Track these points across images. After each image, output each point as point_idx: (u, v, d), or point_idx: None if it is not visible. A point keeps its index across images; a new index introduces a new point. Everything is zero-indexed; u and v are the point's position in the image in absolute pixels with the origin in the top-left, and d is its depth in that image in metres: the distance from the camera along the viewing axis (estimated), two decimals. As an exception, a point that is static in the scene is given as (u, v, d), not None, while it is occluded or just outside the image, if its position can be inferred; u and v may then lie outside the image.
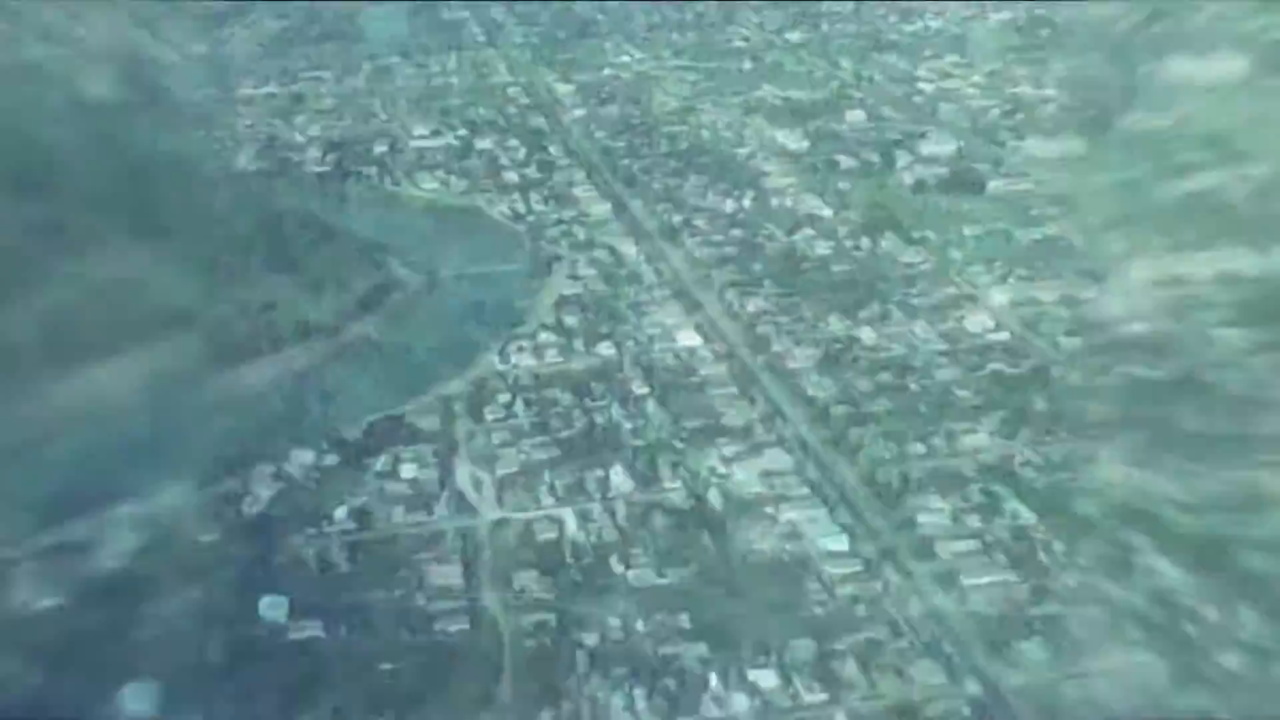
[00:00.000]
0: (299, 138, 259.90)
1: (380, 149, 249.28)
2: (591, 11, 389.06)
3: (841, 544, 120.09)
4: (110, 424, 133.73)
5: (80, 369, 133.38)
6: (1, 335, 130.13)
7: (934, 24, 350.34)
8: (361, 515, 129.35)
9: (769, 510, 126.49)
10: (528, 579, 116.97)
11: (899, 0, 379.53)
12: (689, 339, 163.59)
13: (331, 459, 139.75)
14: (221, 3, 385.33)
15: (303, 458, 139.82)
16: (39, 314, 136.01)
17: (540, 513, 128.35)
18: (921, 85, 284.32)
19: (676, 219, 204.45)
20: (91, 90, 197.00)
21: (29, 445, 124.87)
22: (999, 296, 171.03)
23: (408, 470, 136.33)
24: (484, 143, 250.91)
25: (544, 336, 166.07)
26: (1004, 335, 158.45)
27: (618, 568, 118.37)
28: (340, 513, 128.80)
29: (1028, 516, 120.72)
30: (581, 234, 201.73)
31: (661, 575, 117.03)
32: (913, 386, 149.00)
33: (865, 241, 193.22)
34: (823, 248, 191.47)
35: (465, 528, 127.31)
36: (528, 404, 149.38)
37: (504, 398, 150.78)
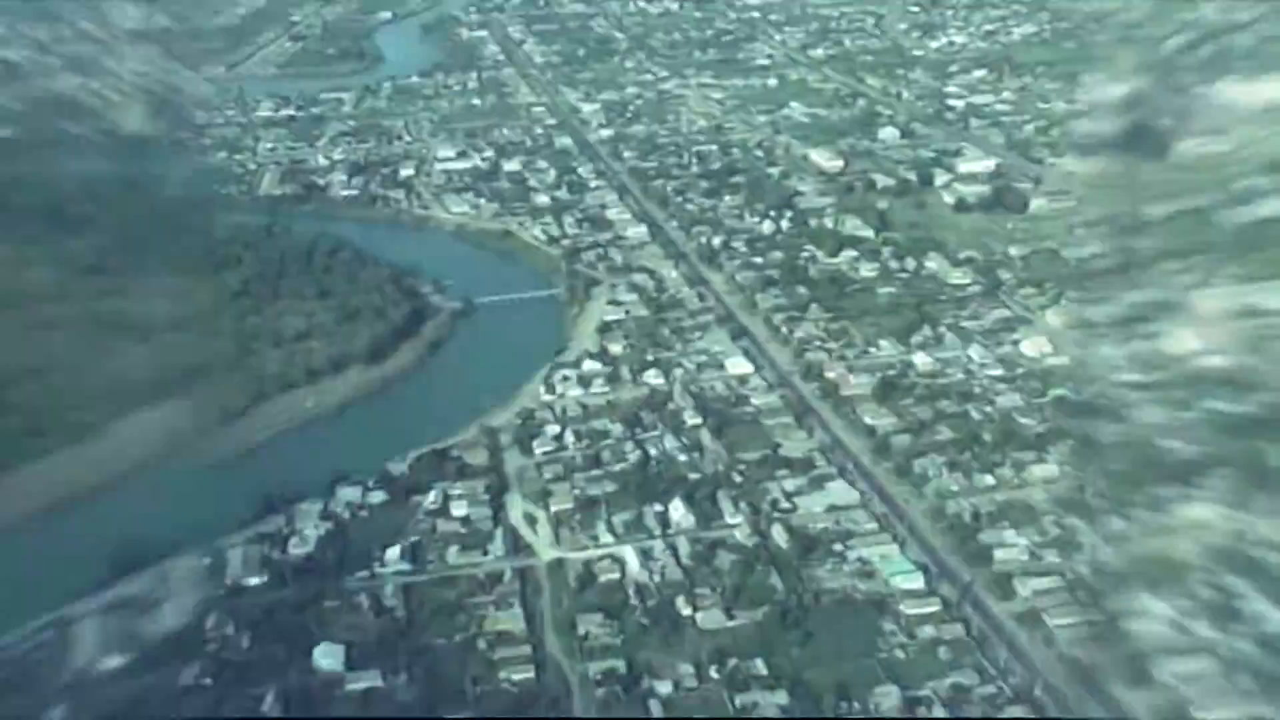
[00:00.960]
0: (323, 160, 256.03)
1: (406, 171, 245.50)
2: (609, 29, 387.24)
3: (917, 582, 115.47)
4: (146, 475, 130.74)
5: (113, 416, 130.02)
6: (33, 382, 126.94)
7: (958, 39, 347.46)
8: (414, 555, 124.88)
9: (837, 547, 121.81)
10: (592, 623, 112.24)
11: (920, 15, 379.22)
12: (739, 366, 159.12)
13: (378, 495, 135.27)
14: (235, 23, 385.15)
15: (349, 495, 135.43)
16: (63, 354, 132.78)
17: (599, 551, 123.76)
18: (951, 101, 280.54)
19: (715, 241, 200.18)
20: (121, 122, 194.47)
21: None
22: (1054, 319, 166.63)
23: (459, 507, 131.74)
24: (512, 164, 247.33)
25: (589, 365, 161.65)
26: (1063, 360, 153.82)
27: (685, 609, 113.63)
28: (392, 553, 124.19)
29: (1109, 553, 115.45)
30: (619, 257, 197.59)
31: (731, 617, 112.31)
32: (974, 414, 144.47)
33: (910, 263, 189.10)
34: (867, 270, 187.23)
35: (522, 568, 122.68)
36: (578, 436, 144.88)
37: (553, 430, 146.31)
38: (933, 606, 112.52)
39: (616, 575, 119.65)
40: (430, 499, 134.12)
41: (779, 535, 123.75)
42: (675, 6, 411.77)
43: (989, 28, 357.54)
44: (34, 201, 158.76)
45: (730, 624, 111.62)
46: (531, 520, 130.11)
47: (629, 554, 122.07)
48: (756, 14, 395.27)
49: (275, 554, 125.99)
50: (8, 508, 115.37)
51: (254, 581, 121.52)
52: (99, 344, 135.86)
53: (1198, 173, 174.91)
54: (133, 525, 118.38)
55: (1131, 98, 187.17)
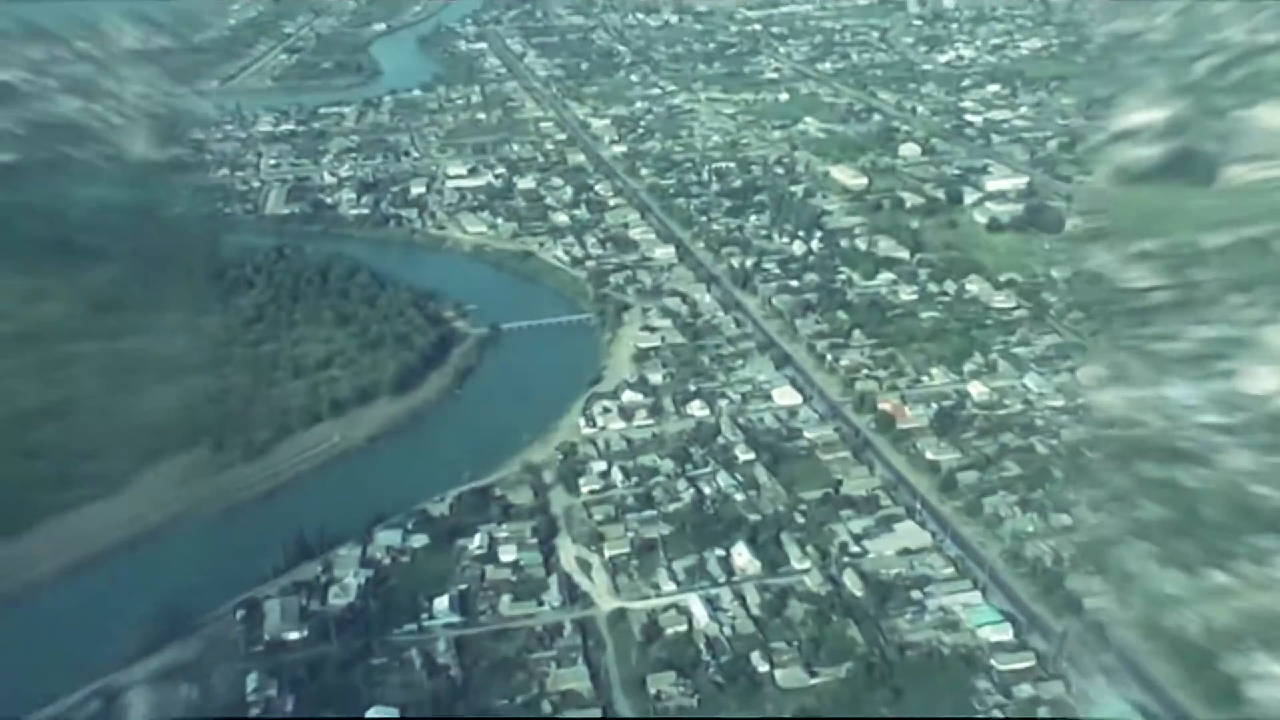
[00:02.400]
0: (329, 178, 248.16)
1: (417, 189, 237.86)
2: (610, 42, 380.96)
3: (1005, 633, 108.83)
4: (173, 525, 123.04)
5: (139, 464, 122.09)
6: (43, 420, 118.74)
7: (966, 54, 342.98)
8: (464, 605, 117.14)
9: (915, 594, 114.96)
10: (664, 681, 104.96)
11: (924, 29, 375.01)
12: (787, 397, 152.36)
13: (420, 539, 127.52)
14: (226, 35, 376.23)
15: (388, 538, 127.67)
16: (83, 395, 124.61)
17: (662, 600, 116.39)
18: (969, 117, 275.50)
19: (747, 263, 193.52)
20: (124, 145, 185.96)
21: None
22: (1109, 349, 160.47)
23: (507, 552, 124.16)
24: (526, 182, 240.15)
25: (629, 396, 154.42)
26: (1127, 393, 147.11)
27: (761, 665, 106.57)
28: (440, 603, 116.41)
29: (1213, 609, 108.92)
30: (648, 280, 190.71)
31: (813, 674, 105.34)
32: (1040, 448, 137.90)
33: (950, 285, 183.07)
34: (906, 293, 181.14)
35: (582, 619, 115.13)
36: (626, 473, 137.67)
37: (599, 466, 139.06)
38: (1026, 661, 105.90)
39: (684, 627, 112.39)
40: (475, 543, 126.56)
41: (852, 582, 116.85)
42: (674, 19, 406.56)
43: (996, 42, 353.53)
44: (43, 231, 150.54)
45: (812, 682, 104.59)
46: (585, 566, 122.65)
47: (695, 604, 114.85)
48: (758, 26, 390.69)
49: (314, 605, 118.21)
50: (34, 567, 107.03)
51: (294, 636, 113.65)
52: (117, 382, 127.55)
53: (1249, 200, 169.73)
54: (164, 580, 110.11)
55: (1172, 122, 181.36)
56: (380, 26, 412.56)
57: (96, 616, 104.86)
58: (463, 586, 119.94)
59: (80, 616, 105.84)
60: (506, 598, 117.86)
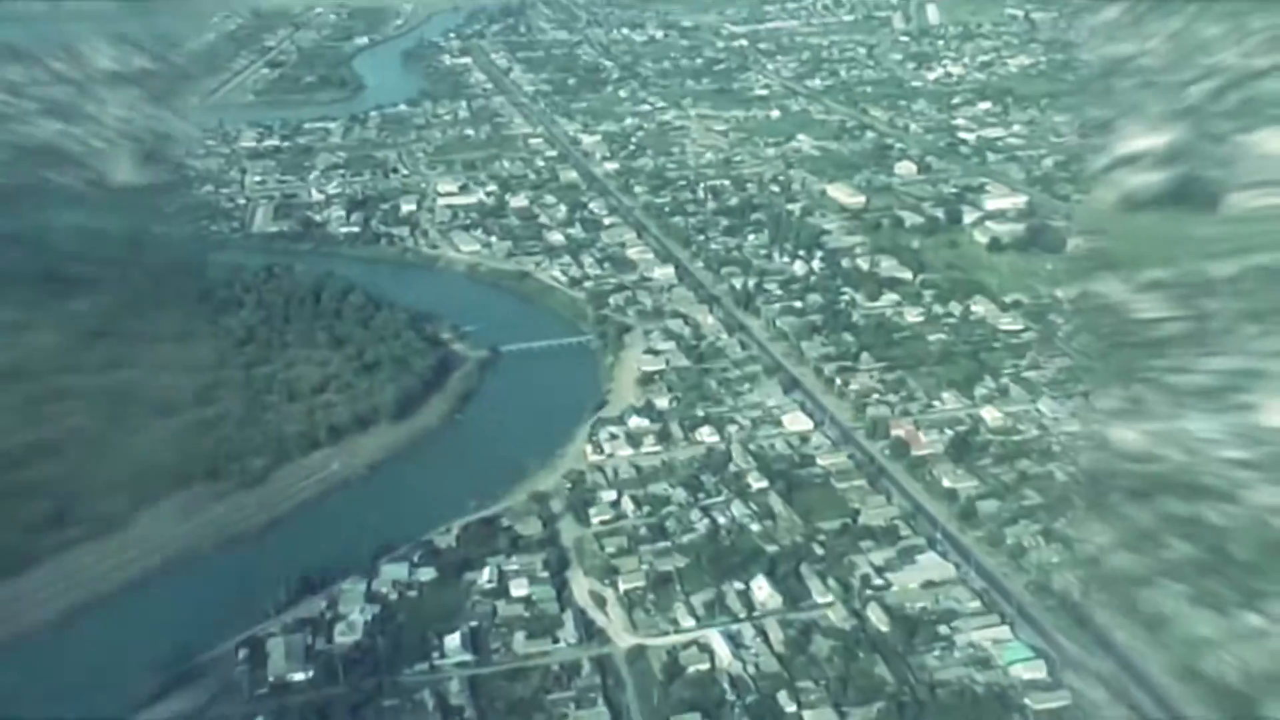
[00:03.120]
0: (316, 195, 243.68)
1: (408, 207, 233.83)
2: (596, 58, 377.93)
3: (1039, 670, 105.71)
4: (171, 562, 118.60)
5: (136, 501, 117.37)
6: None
7: (955, 70, 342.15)
8: (476, 643, 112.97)
9: (943, 629, 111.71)
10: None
11: (911, 45, 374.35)
12: (798, 423, 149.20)
13: (427, 572, 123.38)
14: (206, 49, 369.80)
15: (394, 572, 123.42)
16: (77, 430, 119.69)
17: (682, 637, 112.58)
18: (962, 134, 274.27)
19: (748, 283, 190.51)
20: (107, 169, 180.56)
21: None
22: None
23: (519, 586, 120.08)
24: (519, 200, 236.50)
25: (636, 421, 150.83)
26: (1143, 425, 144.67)
27: (789, 705, 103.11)
28: (452, 641, 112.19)
29: (1254, 653, 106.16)
30: (648, 301, 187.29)
31: (842, 714, 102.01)
32: (1059, 475, 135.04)
33: (955, 306, 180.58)
34: (912, 314, 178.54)
35: (599, 657, 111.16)
36: (637, 502, 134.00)
37: (608, 495, 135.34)
38: (1062, 700, 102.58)
39: (706, 665, 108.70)
40: (485, 576, 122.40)
41: (877, 616, 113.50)
42: (660, 34, 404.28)
43: (984, 59, 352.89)
44: (26, 260, 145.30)
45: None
46: (600, 601, 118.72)
47: (717, 640, 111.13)
48: (744, 42, 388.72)
49: (320, 643, 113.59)
50: (33, 610, 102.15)
51: (300, 677, 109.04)
52: (111, 415, 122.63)
53: (1254, 227, 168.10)
54: (165, 621, 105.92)
55: (1172, 148, 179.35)
56: (362, 40, 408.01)
57: (98, 661, 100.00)
58: (474, 623, 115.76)
59: (81, 662, 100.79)
60: (520, 635, 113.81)
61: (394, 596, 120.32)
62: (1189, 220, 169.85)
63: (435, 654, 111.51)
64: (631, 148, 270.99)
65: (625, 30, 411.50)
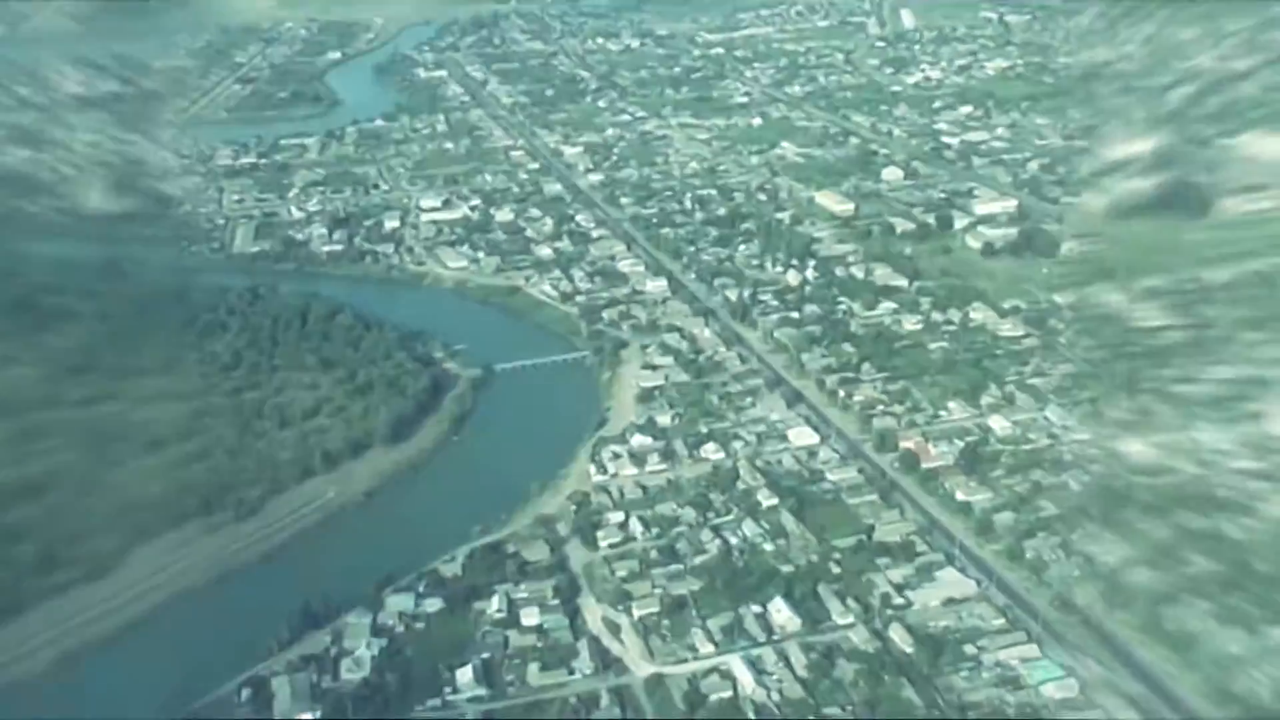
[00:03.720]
0: (297, 213, 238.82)
1: (391, 223, 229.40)
2: (573, 68, 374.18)
3: (1070, 689, 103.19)
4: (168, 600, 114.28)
5: (127, 541, 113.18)
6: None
7: (933, 75, 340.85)
8: (489, 676, 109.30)
9: (969, 649, 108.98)
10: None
11: (887, 50, 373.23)
12: (804, 437, 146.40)
13: (434, 603, 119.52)
14: (176, 65, 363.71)
15: (399, 603, 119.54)
16: (63, 468, 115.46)
17: (702, 663, 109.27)
18: (945, 139, 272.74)
19: (743, 295, 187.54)
20: (79, 197, 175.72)
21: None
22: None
23: (530, 615, 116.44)
24: (503, 213, 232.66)
25: (638, 440, 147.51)
26: (1152, 434, 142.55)
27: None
28: (463, 674, 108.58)
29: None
30: (642, 315, 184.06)
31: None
32: (1074, 485, 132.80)
33: (953, 314, 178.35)
34: (911, 323, 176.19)
35: (617, 687, 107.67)
36: (645, 524, 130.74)
37: (616, 517, 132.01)
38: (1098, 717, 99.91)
39: (728, 693, 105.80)
40: (494, 606, 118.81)
41: (900, 637, 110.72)
42: (636, 43, 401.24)
43: (961, 62, 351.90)
44: (3, 291, 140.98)
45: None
46: (614, 628, 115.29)
47: (738, 666, 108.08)
48: (720, 50, 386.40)
49: (326, 680, 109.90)
50: (25, 658, 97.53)
51: (307, 717, 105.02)
52: (97, 451, 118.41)
53: (1246, 232, 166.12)
54: (164, 663, 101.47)
55: (1159, 154, 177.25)
56: (335, 55, 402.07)
57: (95, 712, 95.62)
58: (485, 655, 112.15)
59: (77, 713, 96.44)
60: (534, 666, 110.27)
61: (400, 629, 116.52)
62: (1180, 226, 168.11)
63: (447, 689, 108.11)
64: (614, 158, 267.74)
65: (600, 40, 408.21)
